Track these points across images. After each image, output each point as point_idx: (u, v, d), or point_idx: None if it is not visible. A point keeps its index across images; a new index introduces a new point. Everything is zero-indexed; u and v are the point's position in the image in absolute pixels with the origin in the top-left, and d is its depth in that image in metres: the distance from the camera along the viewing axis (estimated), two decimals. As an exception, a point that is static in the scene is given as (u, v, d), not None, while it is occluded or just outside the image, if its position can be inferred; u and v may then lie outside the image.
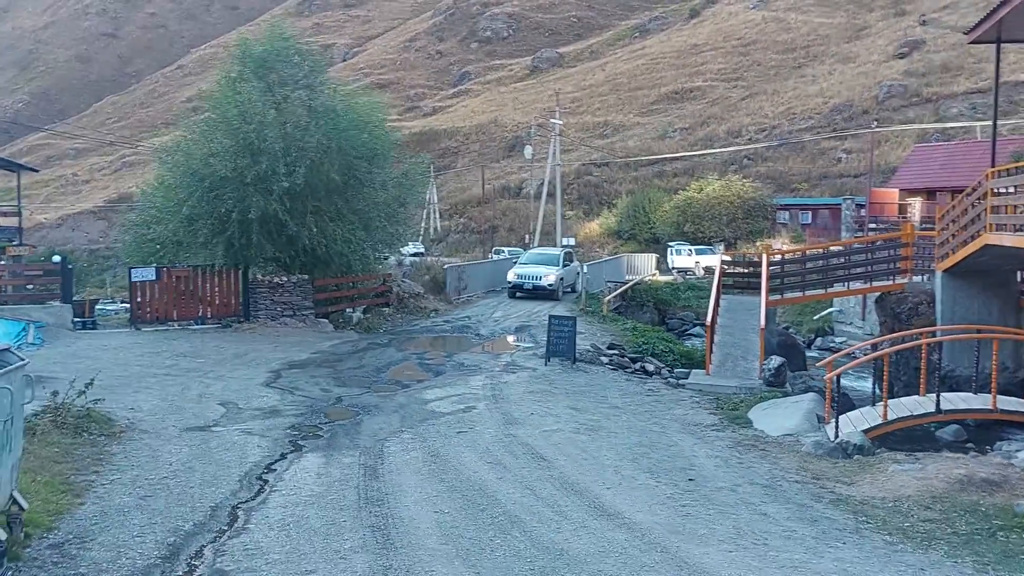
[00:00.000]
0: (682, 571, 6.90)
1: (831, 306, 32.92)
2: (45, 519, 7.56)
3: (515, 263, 34.78)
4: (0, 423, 6.25)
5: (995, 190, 15.21)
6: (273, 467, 10.03)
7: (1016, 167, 14.81)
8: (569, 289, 33.53)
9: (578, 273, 35.02)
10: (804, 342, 30.05)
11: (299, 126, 23.60)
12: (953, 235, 18.27)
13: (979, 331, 14.60)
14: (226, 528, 7.82)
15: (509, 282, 32.04)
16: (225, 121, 23.01)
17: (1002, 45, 18.31)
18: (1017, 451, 12.74)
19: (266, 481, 9.42)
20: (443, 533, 7.76)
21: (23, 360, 6.91)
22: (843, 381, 16.82)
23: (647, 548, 7.42)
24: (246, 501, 8.67)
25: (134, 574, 6.66)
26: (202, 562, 6.98)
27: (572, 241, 55.44)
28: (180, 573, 6.76)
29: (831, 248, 25.28)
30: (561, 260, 33.48)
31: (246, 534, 7.65)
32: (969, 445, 14.35)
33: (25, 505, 7.02)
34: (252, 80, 24.04)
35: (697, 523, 8.20)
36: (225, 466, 9.93)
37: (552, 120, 48.80)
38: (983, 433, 15.29)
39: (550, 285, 31.19)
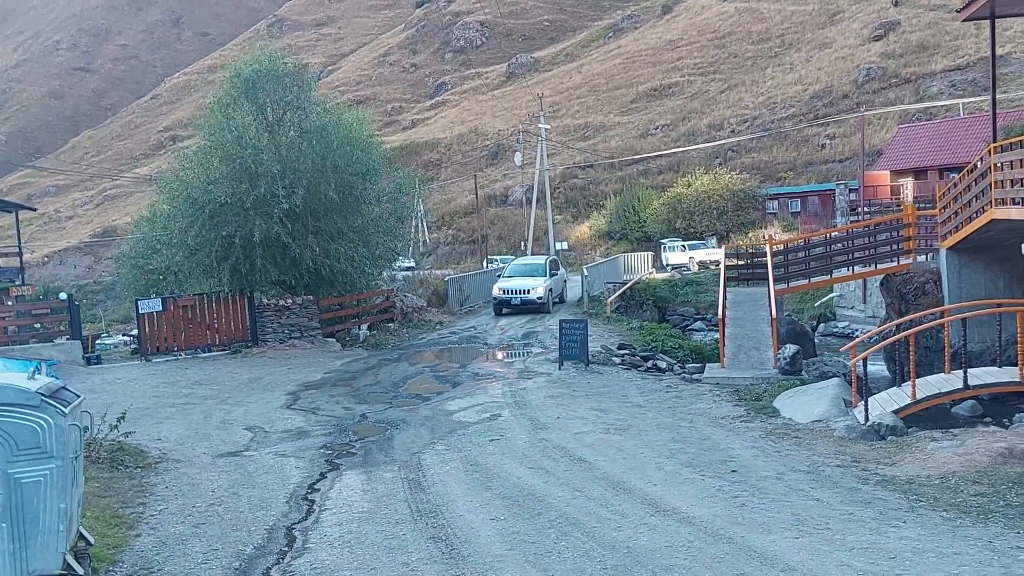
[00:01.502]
0: (753, 560, 6.95)
1: (831, 292, 33.11)
2: (106, 553, 7.55)
3: (499, 276, 32.30)
4: (70, 459, 6.26)
5: (998, 165, 15.36)
6: (316, 487, 10.04)
7: (1020, 140, 14.96)
8: (558, 300, 31.48)
9: (565, 281, 33.55)
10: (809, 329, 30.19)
11: (293, 147, 23.67)
12: (956, 212, 18.44)
13: (999, 305, 14.74)
14: (286, 549, 7.83)
15: (494, 297, 29.76)
16: (221, 147, 23.06)
17: (982, 20, 18.52)
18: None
19: (313, 501, 9.43)
20: (505, 540, 7.79)
21: (79, 396, 6.92)
22: (848, 364, 17.02)
23: (713, 540, 7.47)
24: (299, 521, 8.67)
25: (209, 601, 6.68)
26: (273, 584, 7.00)
27: (565, 245, 55.53)
28: (254, 597, 6.79)
29: (833, 234, 25.41)
30: (548, 269, 31.17)
31: (309, 553, 7.66)
32: (987, 419, 14.46)
33: (92, 540, 7.02)
34: (244, 103, 24.06)
35: (755, 513, 8.26)
36: (269, 489, 9.93)
37: (539, 124, 48.86)
38: (997, 407, 15.41)
39: (539, 298, 28.97)
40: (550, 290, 29.87)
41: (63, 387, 6.91)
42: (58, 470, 6.17)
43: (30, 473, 6.07)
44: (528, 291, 29.07)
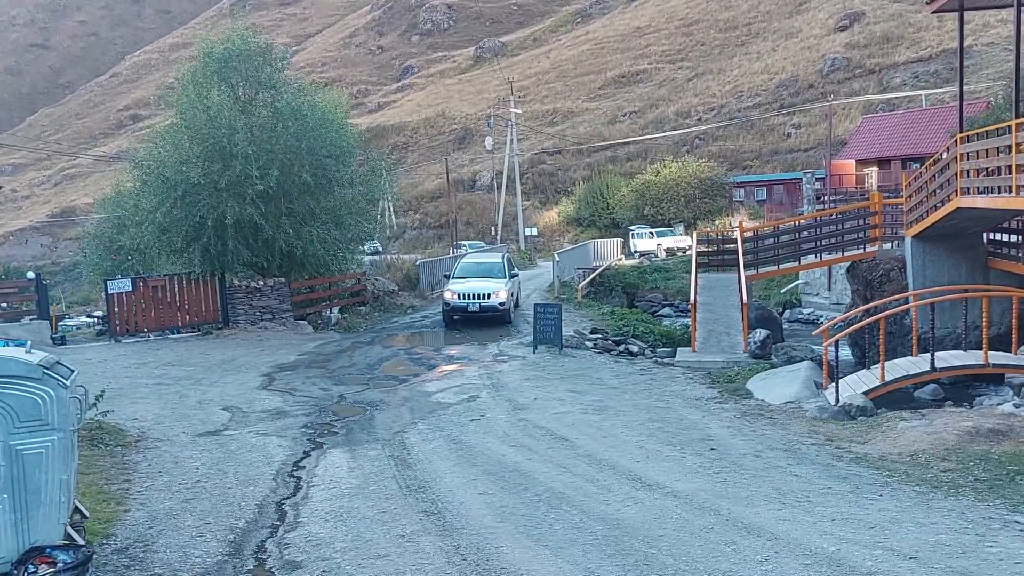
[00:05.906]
0: (740, 530, 7.19)
1: (797, 279, 33.62)
2: (98, 527, 7.59)
3: (447, 276, 26.54)
4: (70, 431, 6.31)
5: (965, 155, 15.73)
6: (301, 464, 10.13)
7: (984, 131, 15.34)
8: (515, 305, 26.05)
9: (519, 283, 28.84)
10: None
11: (267, 128, 23.53)
12: (921, 201, 18.86)
13: (966, 291, 15.13)
14: (279, 523, 7.93)
15: (445, 303, 24.21)
16: (192, 127, 22.85)
17: (950, 12, 18.92)
18: (999, 403, 13.27)
19: (299, 478, 9.52)
20: (496, 512, 7.95)
21: (73, 371, 6.96)
22: (817, 349, 17.38)
23: (700, 512, 7.70)
24: (288, 497, 8.77)
25: (208, 571, 6.76)
26: (268, 555, 7.10)
27: (534, 231, 55.67)
28: (252, 566, 6.89)
29: (801, 222, 25.83)
30: (506, 268, 25.85)
31: (302, 527, 7.77)
32: (948, 402, 14.88)
33: (87, 513, 7.08)
34: (216, 83, 23.86)
35: (737, 487, 8.50)
36: (254, 466, 10.00)
37: (510, 109, 48.89)
38: (957, 390, 15.84)
39: (502, 304, 23.83)
40: (512, 294, 25.34)
41: (58, 361, 6.95)
42: (60, 442, 6.23)
43: (31, 445, 6.11)
44: (488, 296, 24.11)
